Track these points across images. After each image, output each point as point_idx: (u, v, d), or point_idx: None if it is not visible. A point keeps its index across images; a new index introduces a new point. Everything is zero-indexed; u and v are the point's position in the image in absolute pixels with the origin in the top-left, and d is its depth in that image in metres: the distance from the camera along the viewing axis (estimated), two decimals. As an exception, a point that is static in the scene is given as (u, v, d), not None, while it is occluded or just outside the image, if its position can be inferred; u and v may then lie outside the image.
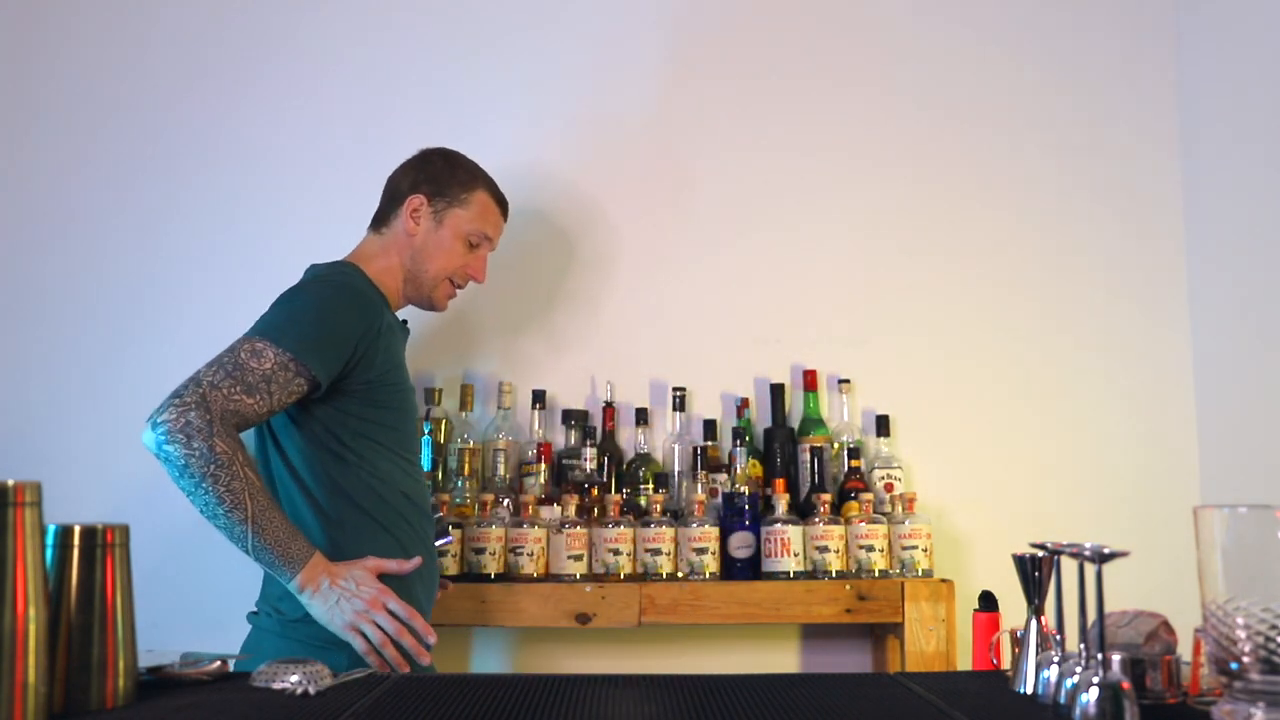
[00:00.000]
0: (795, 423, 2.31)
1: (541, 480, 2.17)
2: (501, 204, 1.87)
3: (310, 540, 1.57)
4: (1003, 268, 2.41)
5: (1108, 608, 0.92)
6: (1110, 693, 0.88)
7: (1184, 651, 1.04)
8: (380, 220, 1.83)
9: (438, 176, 1.81)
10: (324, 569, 1.55)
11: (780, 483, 2.15)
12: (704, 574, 2.08)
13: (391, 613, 1.56)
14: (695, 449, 2.21)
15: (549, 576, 2.08)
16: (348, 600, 1.54)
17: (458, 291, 1.87)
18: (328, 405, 1.64)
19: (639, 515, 2.14)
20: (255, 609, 1.71)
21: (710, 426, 2.28)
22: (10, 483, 0.89)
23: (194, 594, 2.26)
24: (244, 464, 1.50)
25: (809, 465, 2.22)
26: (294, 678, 1.10)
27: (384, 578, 1.62)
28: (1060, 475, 2.34)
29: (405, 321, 1.86)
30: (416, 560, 1.64)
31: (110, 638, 1.00)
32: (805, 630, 2.31)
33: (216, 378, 1.53)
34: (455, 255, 1.80)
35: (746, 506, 2.13)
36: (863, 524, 2.11)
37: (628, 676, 1.17)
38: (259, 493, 1.50)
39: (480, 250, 1.84)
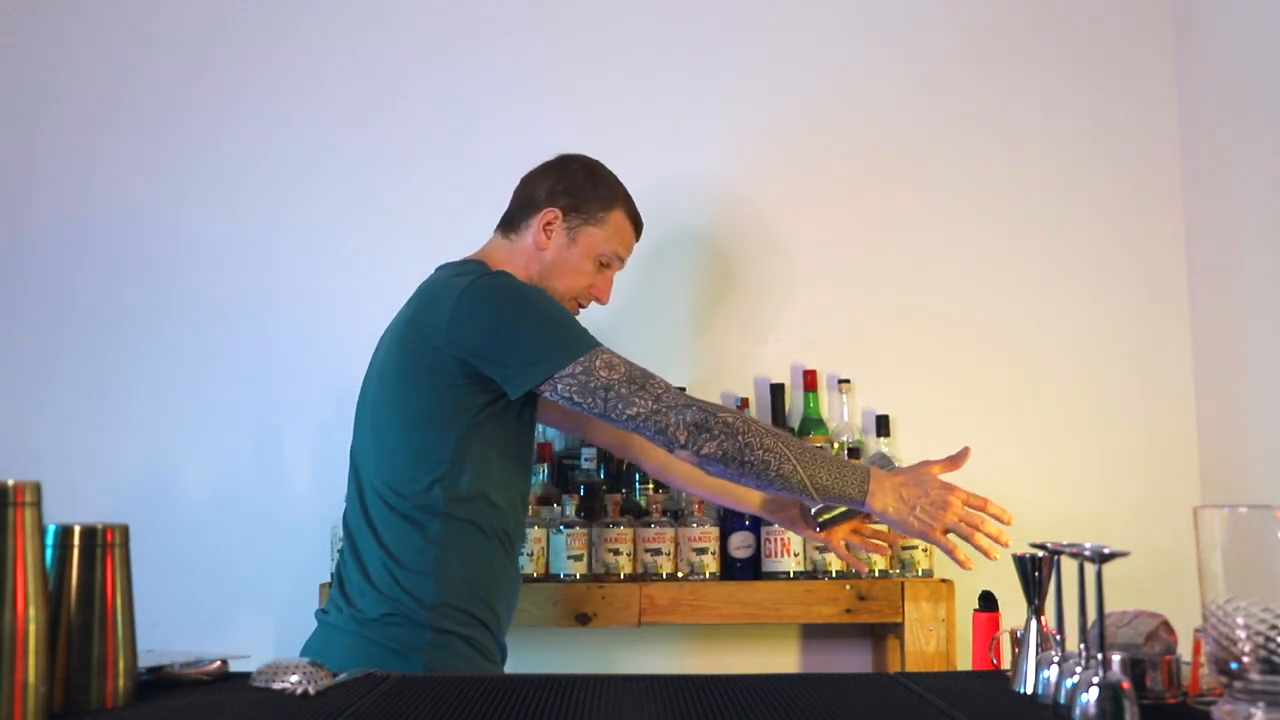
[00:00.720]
0: (795, 423, 2.31)
1: (541, 480, 2.17)
2: (637, 225, 1.77)
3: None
4: (1003, 268, 2.41)
5: (1108, 608, 0.92)
6: (1110, 693, 0.88)
7: (1184, 651, 1.04)
8: (510, 224, 1.73)
9: (577, 190, 1.71)
10: (889, 484, 1.56)
11: (780, 483, 2.14)
12: (704, 574, 2.08)
13: (968, 505, 1.57)
14: (695, 449, 2.21)
15: (549, 576, 2.08)
16: (924, 506, 1.56)
17: (580, 310, 1.75)
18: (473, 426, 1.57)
19: (639, 515, 2.14)
20: (325, 608, 1.64)
21: (710, 426, 2.28)
22: (10, 483, 0.89)
23: (194, 594, 2.27)
24: (755, 420, 1.53)
25: (809, 465, 2.21)
26: (294, 678, 1.10)
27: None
28: (1060, 475, 2.34)
29: None
30: (966, 451, 1.67)
31: (110, 638, 1.00)
32: (805, 630, 2.31)
33: (651, 397, 1.50)
34: (584, 275, 1.71)
35: (746, 506, 2.13)
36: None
37: (628, 676, 1.17)
38: (786, 438, 1.51)
39: (609, 270, 1.74)
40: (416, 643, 1.51)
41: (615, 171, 1.80)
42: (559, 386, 1.50)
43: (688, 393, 1.57)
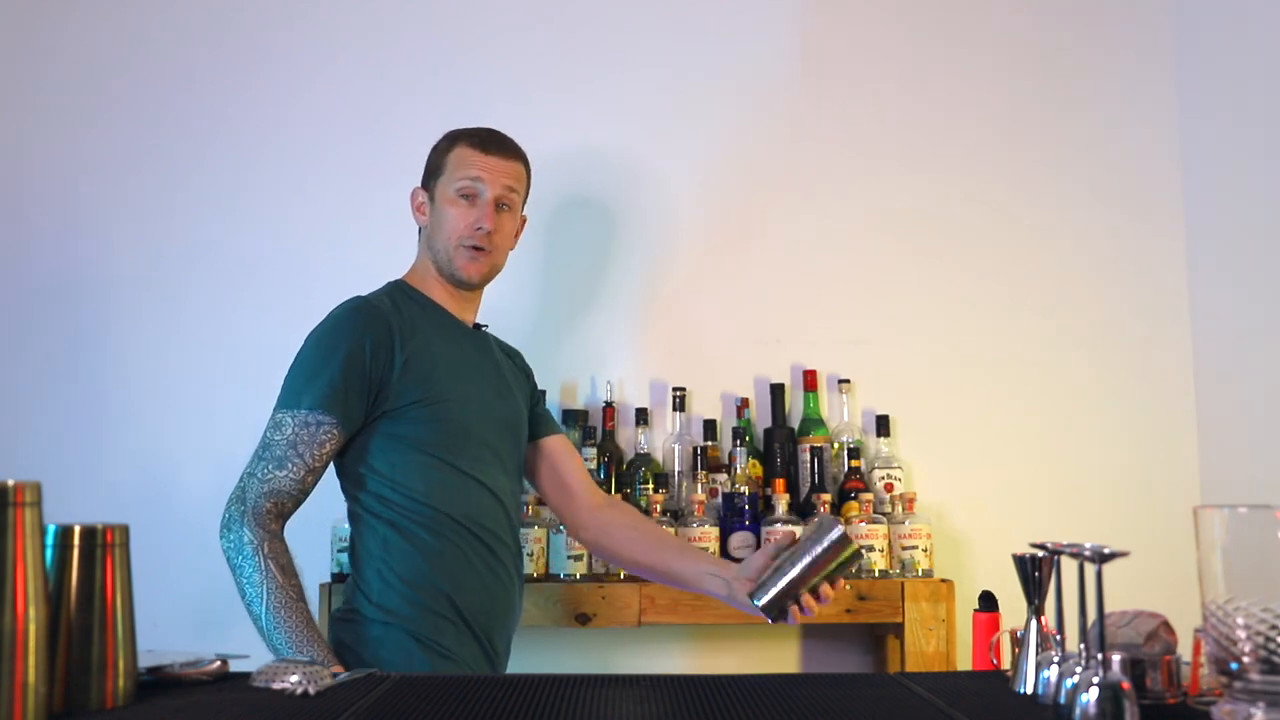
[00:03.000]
0: (795, 423, 2.31)
1: (541, 480, 2.17)
2: (485, 144, 1.72)
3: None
4: (1003, 267, 2.41)
5: (1108, 608, 0.92)
6: (1110, 693, 0.88)
7: (1184, 651, 1.04)
8: (419, 232, 1.81)
9: (429, 161, 1.78)
10: None
11: (780, 483, 2.15)
12: (704, 574, 2.08)
13: None
14: (695, 449, 2.21)
15: (549, 576, 2.08)
16: None
17: (478, 252, 1.71)
18: (370, 431, 1.65)
19: (639, 515, 2.14)
20: (339, 609, 1.70)
21: (710, 426, 2.28)
22: (10, 483, 0.89)
23: (194, 594, 2.26)
24: (268, 555, 1.53)
25: (809, 465, 2.22)
26: (294, 678, 1.10)
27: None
28: (1060, 475, 2.34)
29: (481, 325, 1.83)
30: None
31: (110, 638, 1.00)
32: (805, 630, 2.31)
33: (251, 466, 1.59)
34: (453, 219, 1.71)
35: (746, 506, 2.13)
36: (863, 524, 2.11)
37: (628, 676, 1.17)
38: (280, 588, 1.52)
39: (479, 199, 1.70)
40: (363, 635, 1.59)
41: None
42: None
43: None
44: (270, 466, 1.57)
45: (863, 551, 1.55)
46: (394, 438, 1.63)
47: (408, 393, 1.62)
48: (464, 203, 1.71)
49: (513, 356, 1.90)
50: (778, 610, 1.53)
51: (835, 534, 1.49)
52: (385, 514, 1.63)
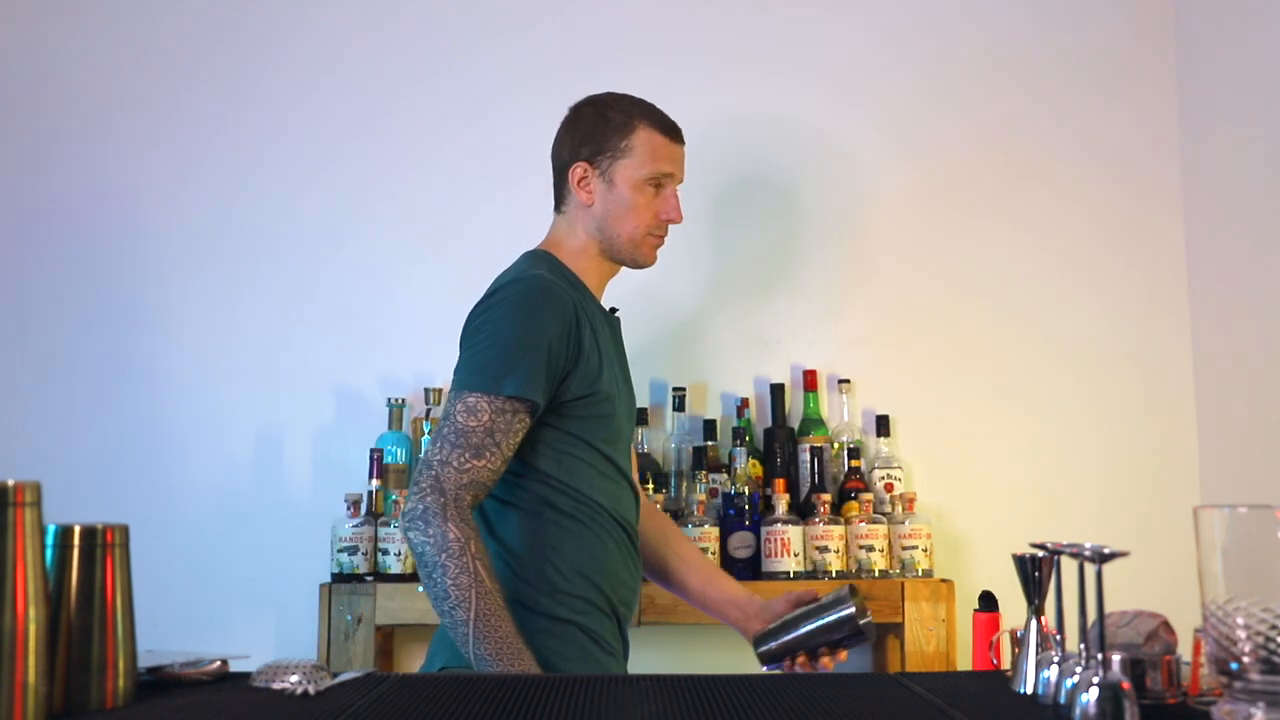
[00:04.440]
0: (795, 423, 2.32)
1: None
2: (669, 131, 1.67)
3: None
4: (1003, 268, 2.41)
5: (1108, 608, 0.92)
6: (1110, 693, 0.88)
7: (1184, 651, 1.04)
8: (558, 200, 1.69)
9: (592, 134, 1.65)
10: None
11: (780, 483, 2.15)
12: (704, 574, 2.08)
13: None
14: (695, 449, 2.21)
15: (549, 576, 2.07)
16: None
17: (664, 240, 1.69)
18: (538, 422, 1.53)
19: (639, 515, 2.14)
20: None
21: (710, 426, 2.28)
22: (10, 483, 0.89)
23: (194, 594, 2.27)
24: (475, 555, 1.41)
25: (809, 465, 2.22)
26: (294, 678, 1.10)
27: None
28: (1060, 475, 2.34)
29: (614, 310, 1.74)
30: None
31: (110, 638, 1.00)
32: (805, 630, 2.30)
33: (444, 453, 1.45)
34: (640, 209, 1.63)
35: (746, 506, 2.13)
36: (863, 524, 2.11)
37: (628, 676, 1.17)
38: (488, 594, 1.40)
39: (667, 189, 1.66)
40: (529, 630, 1.47)
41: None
42: (452, 398, 1.50)
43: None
44: (468, 455, 1.44)
45: (871, 629, 1.58)
46: (561, 431, 1.54)
47: (579, 387, 1.54)
48: (652, 190, 1.65)
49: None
50: (773, 660, 1.60)
51: (842, 613, 1.54)
52: (551, 508, 1.54)
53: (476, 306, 1.57)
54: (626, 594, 1.60)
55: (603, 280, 1.70)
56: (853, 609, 1.54)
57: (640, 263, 1.68)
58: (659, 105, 1.72)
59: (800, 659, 1.57)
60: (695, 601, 1.77)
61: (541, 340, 1.50)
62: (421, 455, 1.49)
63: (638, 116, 1.66)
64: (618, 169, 1.63)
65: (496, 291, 1.56)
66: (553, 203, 1.71)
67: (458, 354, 1.55)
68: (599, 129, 1.65)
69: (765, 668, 1.60)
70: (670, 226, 1.70)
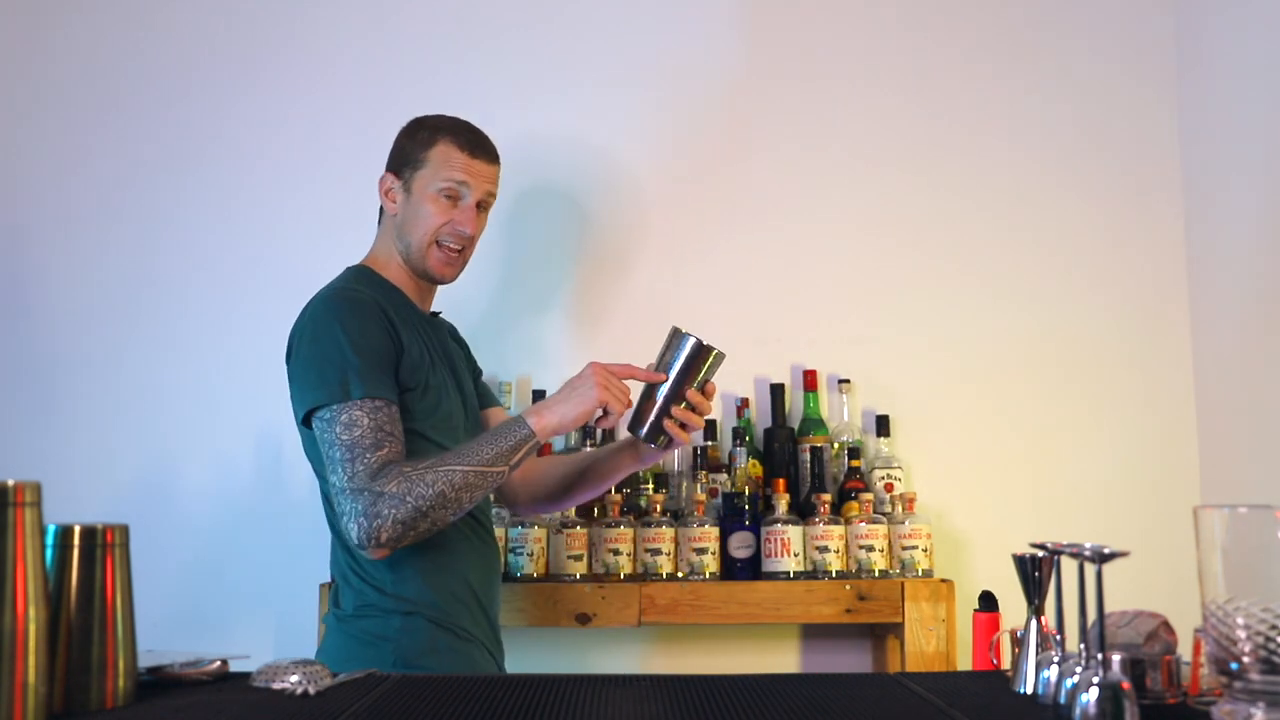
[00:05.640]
0: (795, 423, 2.31)
1: (541, 480, 2.16)
2: (472, 146, 1.72)
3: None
4: (1003, 267, 2.41)
5: (1108, 608, 0.92)
6: (1110, 693, 0.88)
7: (1184, 651, 1.04)
8: (379, 215, 1.80)
9: (399, 149, 1.75)
10: (544, 404, 1.58)
11: (780, 483, 2.15)
12: (704, 574, 2.08)
13: (610, 370, 1.59)
14: (695, 449, 2.21)
15: (549, 576, 2.08)
16: (572, 398, 1.56)
17: (455, 254, 1.73)
18: None
19: (639, 515, 2.14)
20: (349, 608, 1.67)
21: (710, 426, 2.28)
22: (10, 483, 0.89)
23: (194, 594, 2.27)
24: (412, 474, 1.48)
25: (809, 465, 2.22)
26: (294, 678, 1.10)
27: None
28: (1060, 475, 2.34)
29: (437, 313, 1.82)
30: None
31: (110, 638, 1.00)
32: (805, 630, 2.31)
33: (347, 471, 1.49)
34: (431, 216, 1.69)
35: (746, 506, 2.13)
36: (863, 524, 2.11)
37: (628, 676, 1.17)
38: (442, 463, 1.49)
39: (465, 202, 1.71)
40: (384, 631, 1.55)
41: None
42: (315, 424, 1.54)
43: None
44: (368, 455, 1.49)
45: (723, 353, 1.60)
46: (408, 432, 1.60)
47: (405, 380, 1.61)
48: (445, 202, 1.70)
49: (454, 336, 1.90)
50: (664, 436, 1.61)
51: (689, 346, 1.58)
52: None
53: (293, 331, 1.66)
54: (481, 576, 1.67)
55: (417, 286, 1.76)
56: (696, 338, 1.58)
57: (430, 273, 1.74)
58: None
59: (682, 414, 1.60)
60: (593, 484, 1.83)
61: (370, 342, 1.57)
62: (332, 489, 1.51)
63: (442, 132, 1.74)
64: (416, 180, 1.72)
65: (301, 316, 1.66)
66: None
67: (290, 348, 1.63)
68: (406, 143, 1.75)
69: (655, 445, 1.62)
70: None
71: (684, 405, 1.61)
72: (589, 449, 1.88)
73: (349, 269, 1.76)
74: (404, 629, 1.55)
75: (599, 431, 2.21)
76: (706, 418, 2.29)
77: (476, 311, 2.32)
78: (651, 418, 1.59)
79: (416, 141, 1.73)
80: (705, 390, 1.62)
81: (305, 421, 1.58)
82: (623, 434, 1.78)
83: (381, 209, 1.78)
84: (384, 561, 1.57)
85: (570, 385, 1.59)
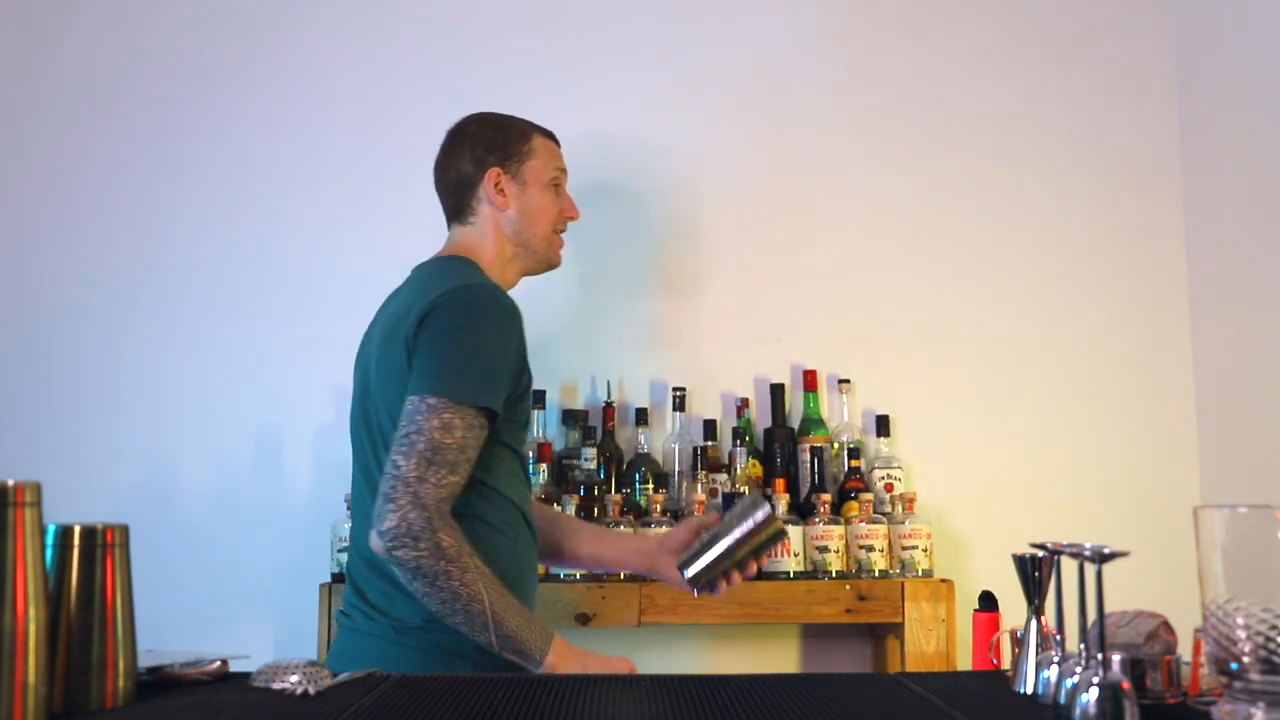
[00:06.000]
0: (795, 423, 2.31)
1: (542, 480, 2.17)
2: (554, 138, 1.77)
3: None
4: (1003, 268, 2.41)
5: (1108, 608, 0.92)
6: (1110, 693, 0.88)
7: (1184, 651, 1.04)
8: (459, 212, 1.72)
9: (494, 142, 1.70)
10: (569, 653, 1.48)
11: (780, 483, 2.15)
12: (704, 574, 2.08)
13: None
14: (695, 449, 2.21)
15: (549, 576, 2.08)
16: (605, 665, 1.50)
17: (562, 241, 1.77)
18: None
19: (639, 515, 2.14)
20: (346, 611, 1.60)
21: (710, 426, 2.28)
22: (10, 483, 0.89)
23: (194, 594, 2.27)
24: (470, 553, 1.43)
25: (809, 465, 2.22)
26: (294, 678, 1.10)
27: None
28: (1060, 475, 2.34)
29: None
30: (630, 665, 1.53)
31: (110, 638, 1.00)
32: (805, 630, 2.31)
33: (420, 469, 1.43)
34: (550, 206, 1.71)
35: (746, 506, 2.12)
36: (863, 524, 2.11)
37: (628, 676, 1.17)
38: (491, 580, 1.43)
39: (563, 188, 1.75)
40: (461, 648, 1.46)
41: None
42: (408, 402, 1.47)
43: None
44: (444, 471, 1.43)
45: (786, 531, 1.63)
46: (494, 439, 1.54)
47: (514, 394, 1.55)
48: (554, 191, 1.73)
49: None
50: (705, 583, 1.59)
51: (762, 514, 1.56)
52: (478, 519, 1.53)
53: (434, 305, 1.52)
54: (534, 591, 1.65)
55: (512, 285, 1.73)
56: (769, 508, 1.57)
57: (553, 261, 1.75)
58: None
59: (734, 576, 1.60)
60: (590, 563, 1.82)
61: (509, 352, 1.53)
62: (390, 468, 1.44)
63: (531, 126, 1.75)
64: (526, 169, 1.71)
65: (457, 294, 1.54)
66: (448, 219, 1.74)
67: (410, 348, 1.51)
68: (500, 136, 1.71)
69: (696, 593, 1.61)
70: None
71: (735, 564, 1.59)
72: (604, 539, 1.82)
73: (468, 263, 1.66)
74: (480, 646, 1.46)
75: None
76: (706, 418, 2.31)
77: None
78: (701, 567, 1.58)
79: (513, 136, 1.72)
80: (759, 561, 1.62)
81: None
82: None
83: (461, 208, 1.71)
84: None
85: (606, 659, 1.52)
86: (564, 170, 1.76)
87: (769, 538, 1.57)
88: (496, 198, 1.69)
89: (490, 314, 1.54)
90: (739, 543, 1.56)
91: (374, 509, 1.44)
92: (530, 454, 2.11)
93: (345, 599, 1.63)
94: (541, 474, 2.17)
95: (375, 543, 1.44)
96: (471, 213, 1.71)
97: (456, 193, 1.72)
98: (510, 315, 1.56)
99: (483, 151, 1.70)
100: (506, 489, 1.57)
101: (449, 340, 1.50)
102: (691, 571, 1.58)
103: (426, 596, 1.42)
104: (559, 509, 2.07)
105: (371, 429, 1.59)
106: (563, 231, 1.75)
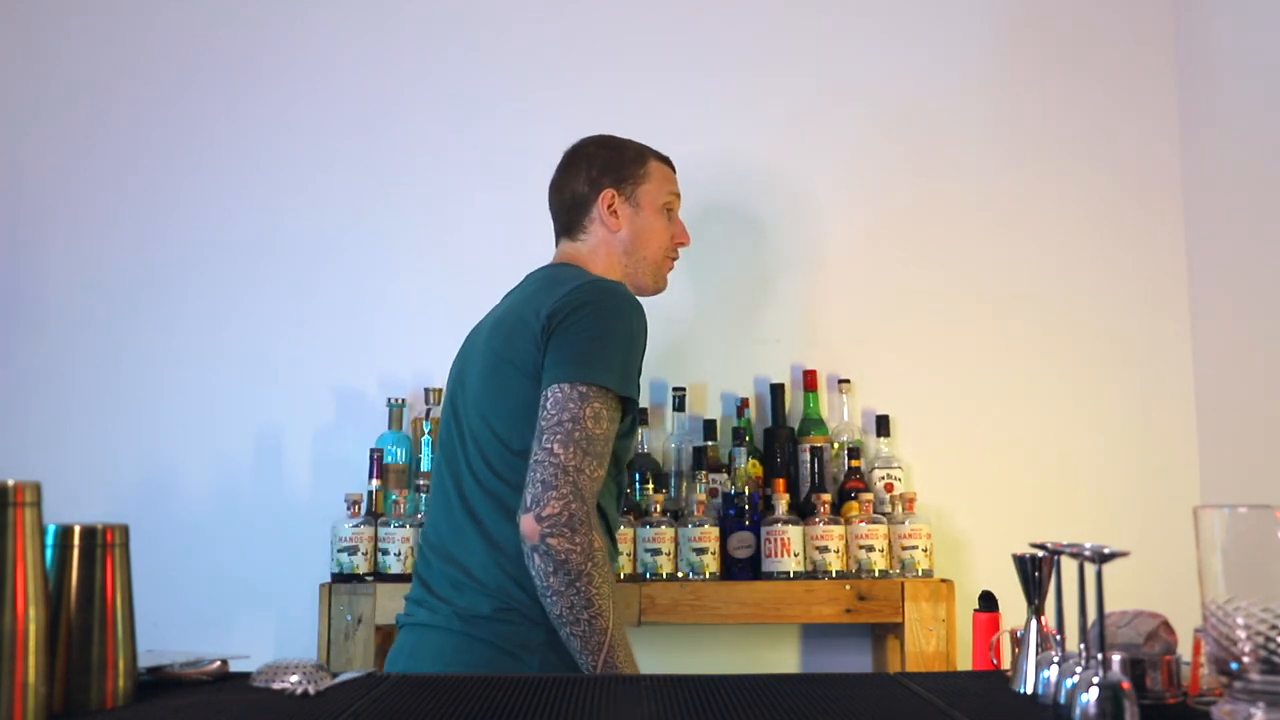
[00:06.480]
0: (795, 423, 2.31)
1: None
2: (670, 164, 1.78)
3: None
4: (1003, 267, 2.41)
5: (1108, 608, 0.92)
6: (1110, 693, 0.88)
7: (1184, 651, 1.03)
8: (571, 229, 1.72)
9: (610, 165, 1.71)
10: None
11: (780, 483, 2.15)
12: (704, 574, 2.08)
13: None
14: (695, 449, 2.21)
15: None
16: None
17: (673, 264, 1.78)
18: None
19: (639, 515, 2.14)
20: (408, 610, 1.58)
21: (710, 426, 2.28)
22: (10, 483, 0.89)
23: (194, 594, 2.27)
24: (610, 565, 1.42)
25: (809, 465, 2.22)
26: (294, 678, 1.10)
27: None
28: (1060, 475, 2.34)
29: None
30: None
31: (110, 638, 1.00)
32: (805, 630, 2.31)
33: (578, 459, 1.41)
34: (663, 230, 1.72)
35: (746, 506, 2.13)
36: (863, 524, 2.11)
37: (628, 676, 1.17)
38: (618, 603, 1.42)
39: (675, 214, 1.76)
40: (529, 641, 1.45)
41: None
42: (554, 390, 1.45)
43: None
44: (596, 464, 1.42)
45: None
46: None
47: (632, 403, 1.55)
48: (666, 215, 1.74)
49: None
50: None
51: None
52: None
53: (573, 297, 1.50)
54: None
55: None
56: None
57: (660, 285, 1.76)
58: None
59: None
60: None
61: (641, 349, 1.54)
62: (545, 454, 1.41)
63: (646, 151, 1.75)
64: (641, 193, 1.71)
65: (596, 287, 1.53)
66: (559, 235, 1.74)
67: (542, 342, 1.49)
68: (616, 159, 1.72)
69: None
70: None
71: None
72: None
73: (582, 269, 1.66)
74: (550, 642, 1.44)
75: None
76: (706, 418, 2.31)
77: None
78: None
79: (629, 159, 1.72)
80: None
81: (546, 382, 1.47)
82: None
83: (573, 225, 1.72)
84: None
85: None
86: (678, 195, 1.76)
87: None
88: (609, 219, 1.69)
89: (628, 308, 1.54)
90: None
91: (526, 495, 1.40)
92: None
93: (407, 601, 1.59)
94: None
95: (529, 526, 1.39)
96: (583, 230, 1.72)
97: (570, 211, 1.72)
98: (640, 310, 1.56)
99: (598, 173, 1.71)
100: (606, 504, 1.54)
101: (594, 329, 1.49)
102: None
103: (558, 596, 1.39)
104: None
105: (462, 423, 1.58)
106: (675, 258, 1.76)
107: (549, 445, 1.41)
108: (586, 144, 1.75)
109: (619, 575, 2.07)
